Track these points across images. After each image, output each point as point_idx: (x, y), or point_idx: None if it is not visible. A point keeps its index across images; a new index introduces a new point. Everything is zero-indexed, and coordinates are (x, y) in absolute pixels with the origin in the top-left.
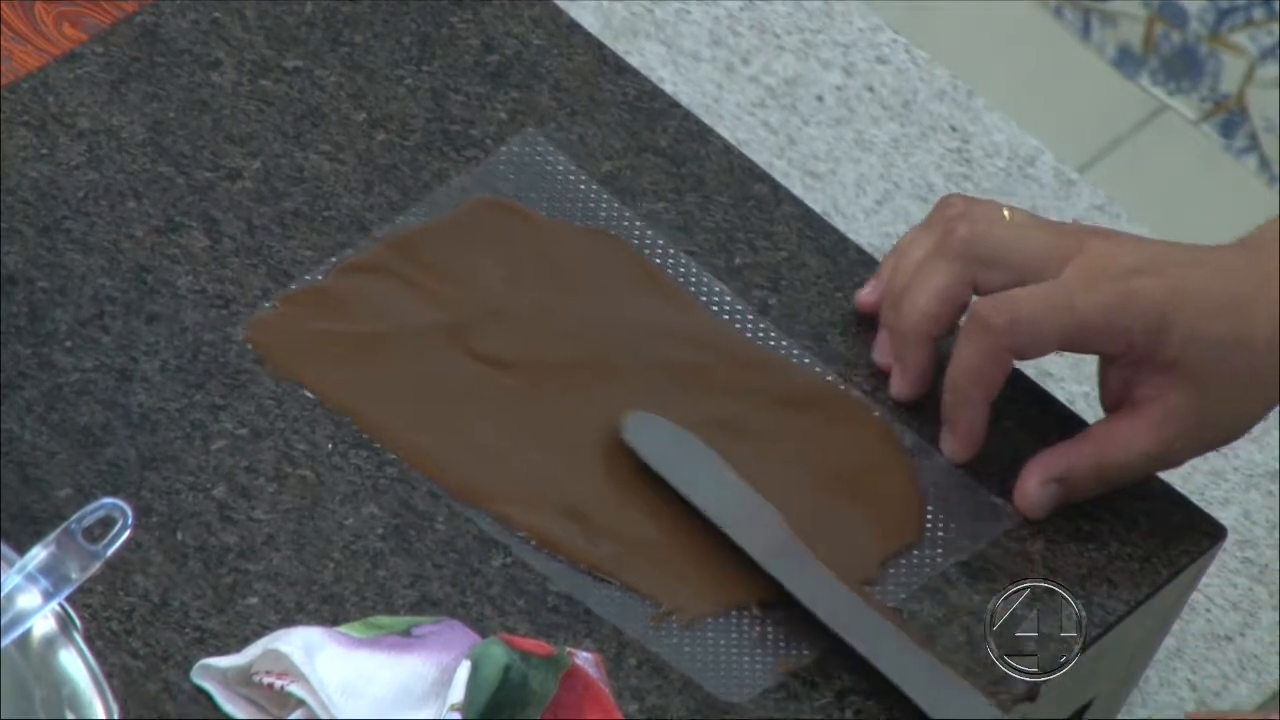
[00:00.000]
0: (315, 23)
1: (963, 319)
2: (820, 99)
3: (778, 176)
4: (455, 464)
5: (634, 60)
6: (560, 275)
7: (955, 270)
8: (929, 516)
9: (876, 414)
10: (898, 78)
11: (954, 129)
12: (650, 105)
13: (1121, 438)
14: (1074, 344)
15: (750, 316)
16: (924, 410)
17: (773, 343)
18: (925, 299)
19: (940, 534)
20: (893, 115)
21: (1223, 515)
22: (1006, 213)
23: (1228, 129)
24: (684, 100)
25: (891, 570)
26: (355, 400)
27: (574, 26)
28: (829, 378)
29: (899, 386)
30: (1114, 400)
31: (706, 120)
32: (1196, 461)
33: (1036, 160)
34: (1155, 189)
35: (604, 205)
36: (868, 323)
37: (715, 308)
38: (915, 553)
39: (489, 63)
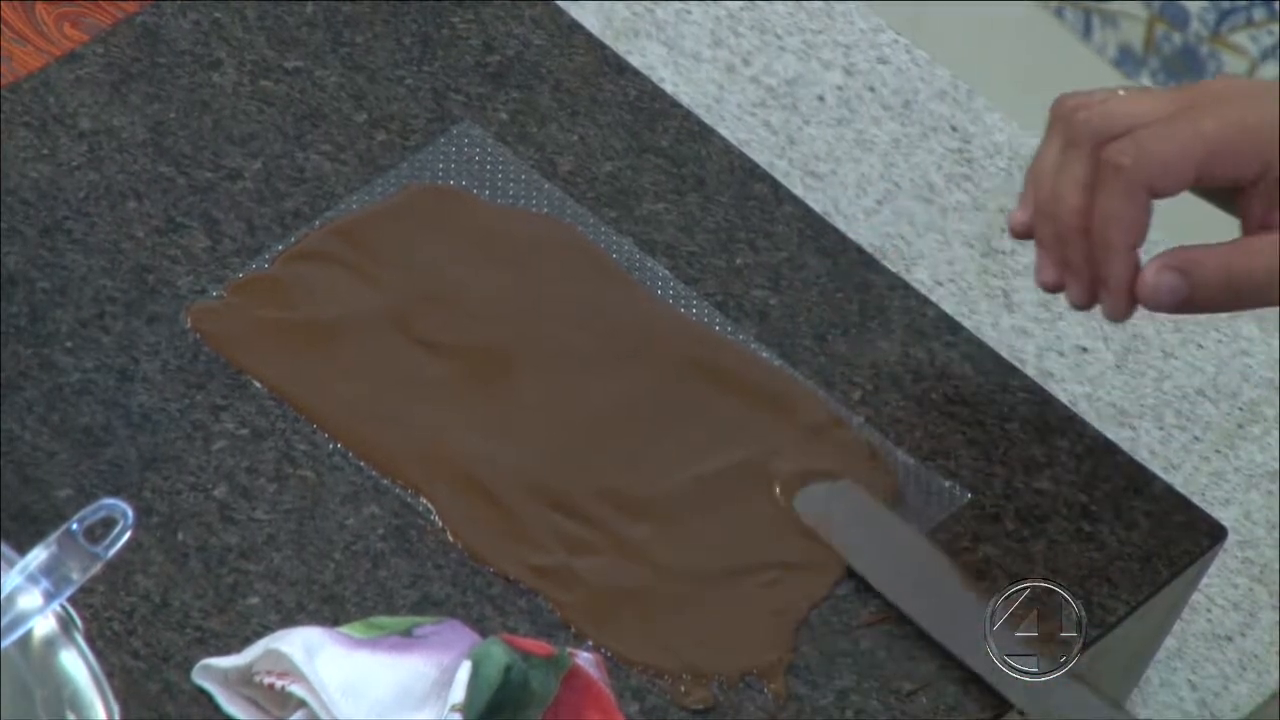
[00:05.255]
0: (315, 23)
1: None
2: (821, 99)
3: (778, 176)
4: (396, 449)
5: (635, 61)
6: (504, 260)
7: (1092, 156)
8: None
9: (823, 398)
10: (898, 78)
11: (955, 129)
12: (651, 105)
13: (1257, 245)
14: (1207, 171)
15: (695, 302)
16: (877, 396)
17: (717, 327)
18: (1072, 195)
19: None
20: (893, 115)
21: (1223, 515)
22: (1121, 90)
23: None
24: (685, 100)
25: None
26: (298, 387)
27: (575, 27)
28: (777, 363)
29: (1075, 293)
30: (1256, 232)
31: (707, 120)
32: (1197, 462)
33: None
34: None
35: (547, 194)
36: (867, 324)
37: (660, 293)
38: None
39: (489, 63)
